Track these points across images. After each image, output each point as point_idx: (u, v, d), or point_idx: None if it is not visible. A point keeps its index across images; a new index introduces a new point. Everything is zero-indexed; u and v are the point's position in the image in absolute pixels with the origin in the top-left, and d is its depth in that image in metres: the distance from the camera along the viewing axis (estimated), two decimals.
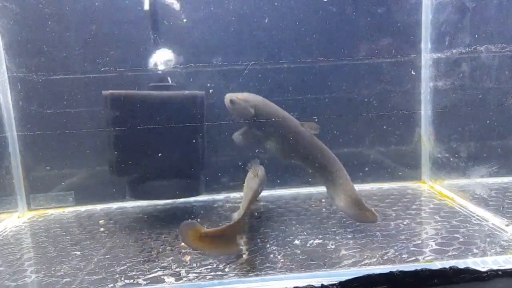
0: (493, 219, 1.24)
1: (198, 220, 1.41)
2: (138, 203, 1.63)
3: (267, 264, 1.03)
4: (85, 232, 1.36)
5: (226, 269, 1.02)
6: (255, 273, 0.99)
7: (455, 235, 1.14)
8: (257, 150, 1.64)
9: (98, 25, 1.52)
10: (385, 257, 1.03)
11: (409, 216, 1.33)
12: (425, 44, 1.65)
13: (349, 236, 1.18)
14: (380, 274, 0.89)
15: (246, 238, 1.21)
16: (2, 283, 1.02)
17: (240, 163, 1.64)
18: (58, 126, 1.54)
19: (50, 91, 1.52)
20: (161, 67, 1.49)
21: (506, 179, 1.61)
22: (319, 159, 1.34)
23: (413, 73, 1.65)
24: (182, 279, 0.99)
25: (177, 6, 1.51)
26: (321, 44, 1.62)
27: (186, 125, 1.40)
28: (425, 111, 1.69)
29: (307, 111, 1.62)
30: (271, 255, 1.09)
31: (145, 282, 0.98)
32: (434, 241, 1.11)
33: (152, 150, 1.39)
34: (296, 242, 1.16)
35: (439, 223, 1.25)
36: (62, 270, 1.07)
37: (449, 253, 1.03)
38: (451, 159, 1.61)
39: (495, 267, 0.92)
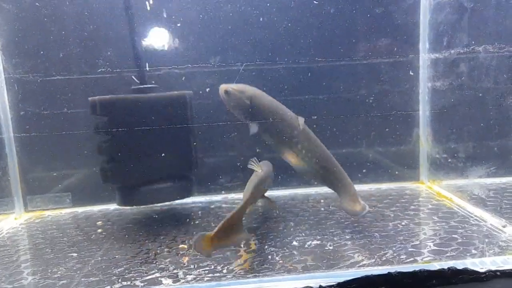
0: (491, 220, 1.24)
1: (197, 221, 1.41)
2: None
3: (265, 265, 1.03)
4: (82, 233, 1.35)
5: (224, 271, 1.02)
6: (253, 274, 0.99)
7: (453, 235, 1.14)
8: (257, 150, 1.63)
9: (96, 26, 1.51)
10: (384, 258, 1.03)
11: (408, 216, 1.32)
12: (423, 44, 1.65)
13: (347, 237, 1.18)
14: (378, 275, 0.89)
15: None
16: None
17: (238, 164, 1.64)
18: (55, 127, 1.53)
19: (47, 92, 1.52)
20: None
21: (504, 180, 1.62)
22: (315, 153, 1.33)
23: (411, 73, 1.65)
24: (179, 280, 0.98)
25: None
26: (319, 45, 1.62)
27: (176, 125, 1.38)
28: (423, 111, 1.69)
29: (305, 112, 1.61)
30: (269, 256, 1.08)
31: (142, 284, 0.97)
32: (432, 242, 1.11)
33: (143, 153, 1.36)
34: (294, 243, 1.16)
35: (438, 224, 1.24)
36: (59, 272, 1.06)
37: (448, 254, 1.03)
38: (449, 159, 1.60)
39: (493, 268, 0.92)
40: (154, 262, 1.09)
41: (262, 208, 1.50)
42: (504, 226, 1.17)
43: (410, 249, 1.07)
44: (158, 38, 1.52)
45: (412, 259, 1.02)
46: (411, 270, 0.90)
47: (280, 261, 1.05)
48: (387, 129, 1.70)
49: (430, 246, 1.08)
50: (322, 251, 1.10)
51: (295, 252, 1.10)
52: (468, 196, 1.44)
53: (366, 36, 1.63)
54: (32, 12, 1.50)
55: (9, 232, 1.42)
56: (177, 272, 1.02)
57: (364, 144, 1.72)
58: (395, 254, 1.05)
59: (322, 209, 1.46)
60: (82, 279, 1.02)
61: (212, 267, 1.04)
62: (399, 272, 0.89)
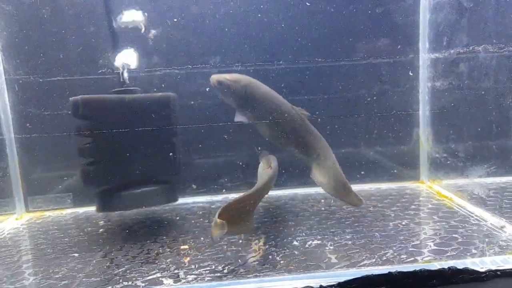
0: (492, 219, 1.24)
1: (198, 222, 1.41)
2: None
3: (266, 265, 1.03)
4: (83, 234, 1.35)
5: (225, 271, 1.02)
6: (253, 274, 0.99)
7: (453, 235, 1.14)
8: (258, 149, 1.63)
9: (96, 26, 1.52)
10: (384, 258, 1.03)
11: (408, 216, 1.33)
12: (423, 44, 1.65)
13: (348, 237, 1.18)
14: (378, 275, 0.89)
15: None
16: (0, 285, 1.02)
17: (240, 163, 1.64)
18: (56, 128, 1.54)
19: (47, 93, 1.52)
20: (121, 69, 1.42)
21: (504, 179, 1.62)
22: (309, 141, 1.33)
23: (410, 74, 1.65)
24: (180, 280, 0.98)
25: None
26: (319, 45, 1.62)
27: (160, 127, 1.35)
28: (423, 111, 1.69)
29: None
30: (270, 256, 1.09)
31: (143, 284, 0.98)
32: (432, 242, 1.11)
33: (125, 156, 1.32)
34: (295, 243, 1.16)
35: (438, 223, 1.25)
36: (60, 272, 1.06)
37: (448, 254, 1.03)
38: (450, 159, 1.61)
39: (493, 267, 0.92)
40: (155, 262, 1.09)
41: (262, 208, 1.51)
42: (502, 227, 1.17)
43: (410, 249, 1.07)
44: (157, 39, 1.52)
45: (412, 258, 1.02)
46: (411, 269, 0.90)
47: (281, 261, 1.05)
48: (387, 129, 1.70)
49: (430, 246, 1.08)
50: (322, 250, 1.10)
51: (295, 252, 1.10)
52: (468, 195, 1.45)
53: (365, 36, 1.63)
54: (33, 13, 1.50)
55: (10, 232, 1.42)
56: (178, 272, 1.02)
57: (364, 144, 1.72)
58: (395, 254, 1.05)
59: (323, 208, 1.46)
60: (84, 279, 1.02)
61: (213, 267, 1.04)
62: (399, 272, 0.90)
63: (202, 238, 1.24)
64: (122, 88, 1.40)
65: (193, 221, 1.41)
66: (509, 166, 1.58)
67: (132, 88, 1.40)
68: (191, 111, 1.59)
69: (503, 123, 1.54)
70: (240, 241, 1.19)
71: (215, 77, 1.35)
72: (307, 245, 1.14)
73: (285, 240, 1.19)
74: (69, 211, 1.61)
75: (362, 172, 1.71)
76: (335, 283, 0.88)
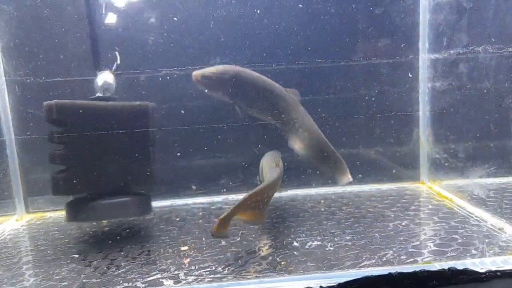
0: (492, 220, 1.24)
1: (198, 222, 1.41)
2: None
3: (266, 266, 1.03)
4: (84, 234, 1.35)
5: (225, 272, 1.02)
6: (253, 275, 0.99)
7: (453, 236, 1.14)
8: (256, 148, 1.64)
9: (96, 28, 1.52)
10: (384, 259, 1.03)
11: (408, 217, 1.33)
12: (423, 44, 1.65)
13: (347, 238, 1.18)
14: (378, 276, 0.89)
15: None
16: (0, 286, 1.02)
17: (243, 163, 1.64)
18: None
19: (48, 94, 1.52)
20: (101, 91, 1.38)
21: (504, 180, 1.62)
22: (304, 124, 1.33)
23: (410, 75, 1.66)
24: (180, 281, 0.98)
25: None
26: (319, 46, 1.62)
27: (136, 137, 1.32)
28: (423, 112, 1.69)
29: None
30: (270, 257, 1.09)
31: (143, 285, 0.98)
32: (432, 242, 1.11)
33: (98, 165, 1.29)
34: (295, 243, 1.16)
35: (438, 224, 1.25)
36: (60, 274, 1.06)
37: (448, 254, 1.03)
38: (450, 159, 1.61)
39: (493, 268, 0.92)
40: (155, 263, 1.09)
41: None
42: (501, 229, 1.17)
43: (410, 250, 1.07)
44: (157, 39, 1.53)
45: (412, 259, 1.02)
46: (411, 270, 0.90)
47: (281, 262, 1.05)
48: (387, 130, 1.70)
49: (430, 247, 1.09)
50: (322, 251, 1.10)
51: (295, 253, 1.10)
52: (468, 196, 1.45)
53: (365, 37, 1.63)
54: (33, 14, 1.50)
55: (10, 233, 1.42)
56: (178, 273, 1.02)
57: (364, 144, 1.72)
58: (395, 255, 1.05)
59: (322, 209, 1.46)
60: (84, 280, 1.02)
61: (213, 268, 1.04)
62: (399, 273, 0.90)
63: (203, 239, 1.24)
64: (100, 95, 1.37)
65: (193, 222, 1.41)
66: (509, 166, 1.58)
67: (109, 96, 1.37)
68: (192, 112, 1.60)
69: (503, 123, 1.54)
70: (240, 242, 1.19)
71: (198, 73, 1.34)
72: (307, 246, 1.14)
73: (285, 241, 1.19)
74: None
75: (365, 170, 1.71)
76: (335, 284, 0.88)
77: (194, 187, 1.68)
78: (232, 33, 1.58)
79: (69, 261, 1.14)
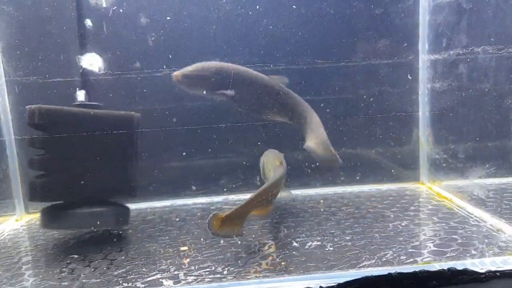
0: (491, 220, 1.24)
1: (198, 222, 1.41)
2: (136, 206, 1.63)
3: (266, 267, 1.03)
4: (83, 234, 1.35)
5: (225, 272, 1.02)
6: (253, 275, 0.99)
7: (453, 236, 1.15)
8: (255, 147, 1.64)
9: (96, 28, 1.52)
10: (384, 259, 1.03)
11: (408, 217, 1.33)
12: (423, 45, 1.65)
13: (347, 238, 1.18)
14: (378, 276, 0.89)
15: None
16: (0, 287, 1.02)
17: (245, 163, 1.64)
18: None
19: (47, 94, 1.52)
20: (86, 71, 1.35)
21: (504, 180, 1.62)
22: (293, 107, 1.33)
23: (409, 77, 1.66)
24: (180, 282, 0.98)
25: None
26: (319, 46, 1.62)
27: (118, 147, 1.30)
28: (423, 112, 1.69)
29: None
30: (270, 257, 1.09)
31: (143, 286, 0.98)
32: (432, 243, 1.11)
33: (78, 173, 1.25)
34: (295, 244, 1.16)
35: (438, 224, 1.25)
36: (60, 274, 1.06)
37: (448, 255, 1.03)
38: (449, 160, 1.61)
39: (493, 268, 0.92)
40: (155, 263, 1.09)
41: None
42: (498, 230, 1.17)
43: (410, 250, 1.07)
44: (156, 40, 1.53)
45: (412, 259, 1.02)
46: (411, 270, 0.90)
47: (281, 262, 1.05)
48: (387, 130, 1.70)
49: (430, 247, 1.09)
50: (322, 251, 1.10)
51: (295, 253, 1.10)
52: (468, 196, 1.45)
53: (365, 38, 1.63)
54: (33, 15, 1.50)
55: (10, 234, 1.42)
56: (178, 274, 1.02)
57: (364, 145, 1.72)
58: (395, 255, 1.05)
59: (322, 209, 1.46)
60: (84, 280, 1.02)
61: (213, 268, 1.04)
62: (399, 273, 0.90)
63: (203, 239, 1.24)
64: (84, 102, 1.34)
65: (193, 222, 1.41)
66: (508, 167, 1.58)
67: (94, 103, 1.34)
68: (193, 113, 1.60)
69: (503, 124, 1.54)
70: (240, 242, 1.19)
71: (178, 73, 1.33)
72: (307, 246, 1.14)
73: (285, 241, 1.19)
74: None
75: (365, 170, 1.72)
76: (334, 284, 0.88)
77: (194, 188, 1.68)
78: (232, 33, 1.58)
79: (68, 261, 1.14)
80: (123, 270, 1.07)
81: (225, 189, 1.69)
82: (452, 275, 0.89)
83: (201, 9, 1.56)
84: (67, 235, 1.35)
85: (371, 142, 1.72)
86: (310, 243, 1.16)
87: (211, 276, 1.00)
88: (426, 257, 1.03)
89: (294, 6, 1.57)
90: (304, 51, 1.62)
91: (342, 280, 0.89)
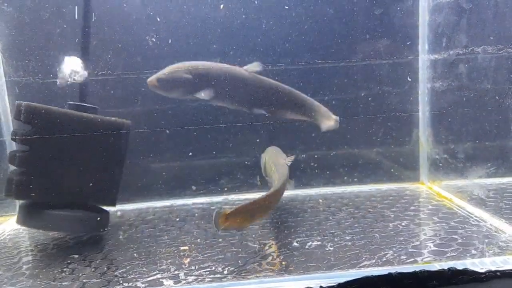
0: (491, 220, 1.25)
1: (198, 222, 1.41)
2: (137, 206, 1.63)
3: (266, 266, 1.03)
4: (83, 234, 1.35)
5: (225, 272, 1.02)
6: (253, 275, 0.99)
7: (453, 236, 1.15)
8: (253, 147, 1.64)
9: (96, 28, 1.52)
10: (384, 259, 1.03)
11: (408, 217, 1.33)
12: (423, 45, 1.65)
13: (347, 238, 1.18)
14: (378, 276, 0.89)
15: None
16: (0, 286, 1.02)
17: (247, 162, 1.64)
18: None
19: (47, 95, 1.52)
20: (67, 78, 1.32)
21: (504, 180, 1.62)
22: (278, 95, 1.34)
23: (409, 79, 1.66)
24: (180, 281, 0.98)
25: None
26: (319, 46, 1.62)
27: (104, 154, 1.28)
28: (423, 112, 1.70)
29: None
30: (270, 257, 1.09)
31: (143, 285, 0.98)
32: (432, 242, 1.11)
33: (58, 174, 1.23)
34: (295, 244, 1.16)
35: (438, 224, 1.25)
36: (60, 274, 1.06)
37: (448, 254, 1.03)
38: (449, 160, 1.61)
39: (493, 268, 0.92)
40: (156, 263, 1.09)
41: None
42: (497, 231, 1.17)
43: (410, 250, 1.07)
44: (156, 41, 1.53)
45: (412, 259, 1.02)
46: (411, 270, 0.90)
47: (281, 262, 1.05)
48: (387, 130, 1.70)
49: (430, 247, 1.09)
50: (322, 251, 1.10)
51: (295, 253, 1.10)
52: (468, 196, 1.45)
53: (365, 38, 1.63)
54: (33, 15, 1.50)
55: (10, 234, 1.42)
56: (178, 273, 1.02)
57: (364, 145, 1.72)
58: (395, 255, 1.05)
59: (322, 209, 1.47)
60: (84, 280, 1.02)
61: (213, 268, 1.04)
62: (399, 273, 0.90)
63: (202, 239, 1.24)
64: (78, 103, 1.31)
65: (193, 222, 1.41)
66: (508, 166, 1.59)
67: (89, 106, 1.31)
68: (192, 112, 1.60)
69: (503, 123, 1.54)
70: (240, 242, 1.19)
71: (152, 78, 1.33)
72: (307, 246, 1.14)
73: (285, 241, 1.19)
74: None
75: (365, 170, 1.72)
76: (335, 284, 0.89)
77: (194, 188, 1.69)
78: (232, 33, 1.58)
79: (69, 261, 1.14)
80: (123, 270, 1.07)
81: (225, 189, 1.69)
82: (452, 275, 0.89)
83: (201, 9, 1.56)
84: (67, 235, 1.35)
85: (371, 142, 1.72)
86: (310, 243, 1.16)
87: (211, 276, 1.00)
88: (426, 257, 1.03)
89: (286, 7, 1.57)
90: (304, 51, 1.62)
91: (342, 280, 0.89)
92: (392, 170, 1.74)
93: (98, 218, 1.28)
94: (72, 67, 1.32)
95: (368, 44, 1.64)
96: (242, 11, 1.57)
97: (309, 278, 0.96)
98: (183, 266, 1.07)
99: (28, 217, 1.24)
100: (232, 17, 1.57)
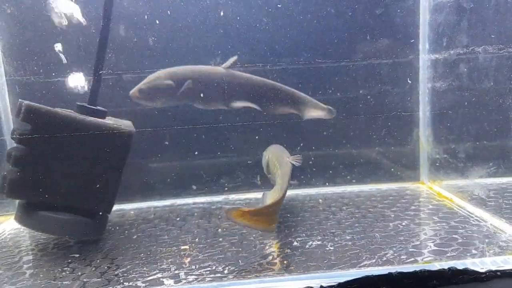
0: (492, 220, 1.25)
1: (198, 222, 1.41)
2: (137, 205, 1.63)
3: (266, 266, 1.03)
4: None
5: (225, 271, 1.02)
6: (254, 275, 0.99)
7: (453, 235, 1.15)
8: (253, 146, 1.64)
9: (96, 28, 1.52)
10: (384, 258, 1.03)
11: (408, 217, 1.33)
12: (423, 45, 1.65)
13: (348, 237, 1.18)
14: (379, 275, 0.89)
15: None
16: (1, 286, 1.02)
17: (249, 161, 1.65)
18: None
19: (48, 94, 1.52)
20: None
21: (504, 180, 1.62)
22: (262, 89, 1.35)
23: (409, 81, 1.66)
24: (181, 281, 0.99)
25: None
26: (319, 46, 1.62)
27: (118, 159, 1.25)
28: (424, 112, 1.70)
29: None
30: (270, 257, 1.09)
31: (144, 285, 0.98)
32: (432, 242, 1.11)
33: (54, 176, 1.21)
34: (295, 243, 1.16)
35: (438, 224, 1.25)
36: (61, 273, 1.07)
37: (448, 254, 1.03)
38: (450, 159, 1.61)
39: (493, 268, 0.92)
40: (156, 262, 1.10)
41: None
42: (495, 232, 1.17)
43: (410, 249, 1.07)
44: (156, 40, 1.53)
45: (412, 259, 1.02)
46: (411, 270, 0.90)
47: (281, 262, 1.05)
48: (387, 130, 1.70)
49: (430, 246, 1.09)
50: (322, 251, 1.10)
51: (296, 253, 1.10)
52: (468, 196, 1.45)
53: (366, 37, 1.63)
54: (34, 14, 1.50)
55: (11, 233, 1.42)
56: (179, 273, 1.02)
57: (365, 144, 1.72)
58: (395, 254, 1.05)
59: (322, 208, 1.47)
60: (84, 279, 1.02)
61: (214, 267, 1.04)
62: (399, 272, 0.90)
63: (203, 239, 1.24)
64: (86, 105, 1.28)
65: (193, 222, 1.41)
66: (509, 166, 1.58)
67: (97, 108, 1.29)
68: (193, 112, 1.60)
69: (503, 123, 1.54)
70: (240, 242, 1.19)
71: (133, 91, 1.33)
72: (307, 246, 1.14)
73: (285, 240, 1.19)
74: None
75: (365, 170, 1.72)
76: (335, 283, 0.89)
77: (194, 187, 1.69)
78: (232, 33, 1.58)
79: (69, 260, 1.14)
80: (123, 269, 1.07)
81: (225, 189, 1.69)
82: (453, 274, 0.89)
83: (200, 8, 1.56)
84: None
85: (371, 142, 1.72)
86: (311, 242, 1.16)
87: (211, 275, 1.00)
88: (427, 257, 1.03)
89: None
90: (304, 50, 1.62)
91: (342, 280, 0.89)
92: (392, 169, 1.74)
93: (93, 223, 1.25)
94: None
95: (369, 43, 1.64)
96: (241, 10, 1.57)
97: (309, 277, 0.96)
98: (184, 265, 1.07)
99: (24, 216, 1.23)
100: (231, 16, 1.57)
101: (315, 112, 1.43)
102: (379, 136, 1.71)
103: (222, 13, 1.56)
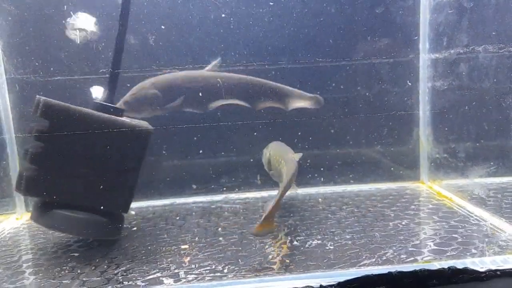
0: (492, 219, 1.25)
1: (198, 221, 1.41)
2: (137, 204, 1.63)
3: (266, 265, 1.03)
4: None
5: (225, 270, 1.02)
6: (253, 274, 0.99)
7: (453, 235, 1.15)
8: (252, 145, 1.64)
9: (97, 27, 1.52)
10: (384, 258, 1.03)
11: (408, 216, 1.33)
12: (423, 44, 1.65)
13: (347, 237, 1.18)
14: (378, 275, 0.89)
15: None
16: (0, 285, 1.02)
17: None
18: None
19: (48, 93, 1.52)
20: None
21: (504, 179, 1.62)
22: (246, 86, 1.39)
23: (409, 83, 1.66)
24: (180, 280, 0.98)
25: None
26: (319, 45, 1.62)
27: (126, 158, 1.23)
28: (424, 111, 1.69)
29: (304, 112, 1.62)
30: (270, 256, 1.09)
31: (143, 284, 0.98)
32: (432, 241, 1.11)
33: (71, 174, 1.18)
34: (295, 242, 1.16)
35: (438, 223, 1.25)
36: (61, 272, 1.06)
37: (448, 253, 1.03)
38: (450, 159, 1.61)
39: (493, 267, 0.92)
40: (156, 261, 1.09)
41: (262, 209, 1.51)
42: (494, 233, 1.17)
43: (410, 249, 1.07)
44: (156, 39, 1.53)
45: (412, 258, 1.02)
46: (411, 269, 0.90)
47: (281, 261, 1.05)
48: (387, 129, 1.70)
49: (430, 246, 1.09)
50: (322, 250, 1.10)
51: (295, 252, 1.10)
52: (468, 195, 1.45)
53: (366, 37, 1.63)
54: (34, 13, 1.50)
55: (10, 232, 1.42)
56: (178, 272, 1.02)
57: (364, 144, 1.72)
58: (395, 254, 1.05)
59: (321, 207, 1.47)
60: (84, 279, 1.02)
61: (213, 266, 1.04)
62: (399, 272, 0.90)
63: (202, 238, 1.24)
64: (103, 103, 1.26)
65: (193, 221, 1.41)
66: (509, 166, 1.59)
67: (113, 106, 1.26)
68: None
69: (503, 123, 1.54)
70: (240, 241, 1.19)
71: (119, 103, 1.34)
72: (307, 245, 1.14)
73: (285, 240, 1.19)
74: None
75: (365, 169, 1.72)
76: (335, 283, 0.89)
77: (194, 186, 1.69)
78: (232, 33, 1.58)
79: (69, 259, 1.14)
80: (123, 268, 1.07)
81: (224, 188, 1.69)
82: (452, 274, 0.89)
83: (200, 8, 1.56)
84: (66, 234, 1.35)
85: (371, 141, 1.72)
86: (311, 241, 1.16)
87: (211, 274, 1.00)
88: (427, 256, 1.03)
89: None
90: (304, 50, 1.62)
91: (342, 279, 0.89)
92: (392, 169, 1.74)
93: (110, 224, 1.22)
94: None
95: (369, 42, 1.63)
96: (241, 9, 1.57)
97: (309, 277, 0.96)
98: (183, 264, 1.07)
99: (41, 215, 1.20)
100: (231, 15, 1.57)
101: (301, 102, 1.44)
102: (379, 136, 1.71)
103: (222, 13, 1.56)
